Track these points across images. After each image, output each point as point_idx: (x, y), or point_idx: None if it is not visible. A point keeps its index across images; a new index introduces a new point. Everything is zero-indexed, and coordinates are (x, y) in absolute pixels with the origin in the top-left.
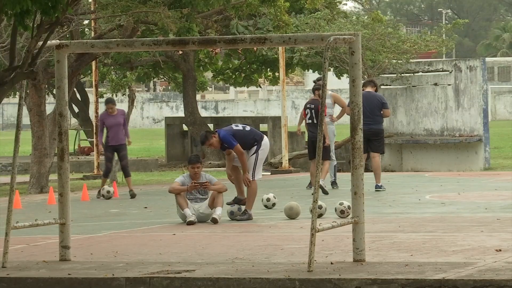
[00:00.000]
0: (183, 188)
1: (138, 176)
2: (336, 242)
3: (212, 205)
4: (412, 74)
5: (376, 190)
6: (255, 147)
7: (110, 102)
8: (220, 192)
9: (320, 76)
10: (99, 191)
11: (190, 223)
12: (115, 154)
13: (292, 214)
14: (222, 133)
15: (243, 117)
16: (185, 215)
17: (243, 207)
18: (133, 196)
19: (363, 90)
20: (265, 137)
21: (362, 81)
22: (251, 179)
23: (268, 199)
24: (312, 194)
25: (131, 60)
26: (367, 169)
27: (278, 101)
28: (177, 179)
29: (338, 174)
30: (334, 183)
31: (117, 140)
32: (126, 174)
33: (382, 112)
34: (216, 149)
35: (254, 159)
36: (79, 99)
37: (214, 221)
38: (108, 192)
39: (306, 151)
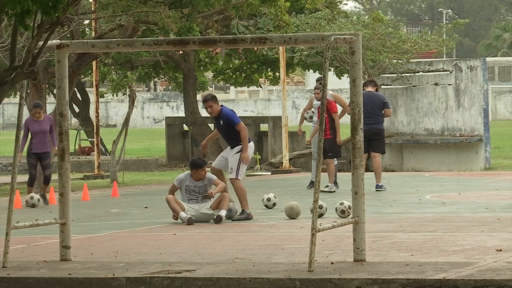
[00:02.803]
0: (177, 209)
1: (138, 176)
2: (336, 242)
3: (217, 207)
4: (412, 74)
5: (376, 190)
6: (241, 146)
7: (37, 106)
8: (221, 191)
9: (320, 75)
10: (26, 201)
11: (190, 221)
12: (38, 162)
13: (292, 214)
14: (227, 109)
15: (243, 117)
16: (181, 218)
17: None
18: (44, 201)
19: (363, 89)
20: (252, 141)
21: (363, 81)
22: (235, 178)
23: (268, 199)
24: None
25: (132, 60)
26: (367, 169)
27: (279, 101)
28: (178, 176)
29: (338, 174)
30: (334, 183)
31: (41, 148)
32: (46, 182)
33: (383, 111)
34: (210, 115)
35: (239, 158)
36: (80, 99)
37: (219, 219)
38: (32, 198)
39: (306, 151)
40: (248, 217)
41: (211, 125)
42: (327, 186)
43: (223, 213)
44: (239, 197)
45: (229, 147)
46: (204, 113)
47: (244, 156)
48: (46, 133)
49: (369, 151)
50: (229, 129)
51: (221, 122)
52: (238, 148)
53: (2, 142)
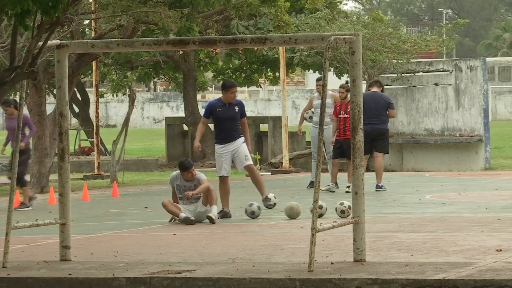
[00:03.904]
0: (176, 212)
1: (138, 176)
2: (336, 242)
3: (206, 202)
4: (412, 74)
5: (376, 190)
6: (243, 138)
7: (4, 103)
8: (203, 191)
9: (321, 75)
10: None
11: (189, 221)
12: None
13: (292, 214)
14: (240, 100)
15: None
16: (181, 219)
17: (254, 205)
18: (23, 206)
19: (368, 90)
20: None
21: (366, 81)
22: (252, 163)
23: (268, 199)
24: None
25: (132, 60)
26: (368, 169)
27: (279, 101)
28: (171, 175)
29: (338, 174)
30: (335, 183)
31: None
32: (21, 184)
33: (388, 112)
34: (228, 102)
35: (246, 146)
36: (80, 99)
37: (211, 220)
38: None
39: (306, 151)
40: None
41: (211, 125)
42: (348, 187)
43: (213, 209)
44: (261, 182)
45: (225, 145)
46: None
47: (249, 149)
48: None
49: (371, 151)
50: (238, 118)
51: (236, 109)
52: (242, 139)
53: (2, 142)
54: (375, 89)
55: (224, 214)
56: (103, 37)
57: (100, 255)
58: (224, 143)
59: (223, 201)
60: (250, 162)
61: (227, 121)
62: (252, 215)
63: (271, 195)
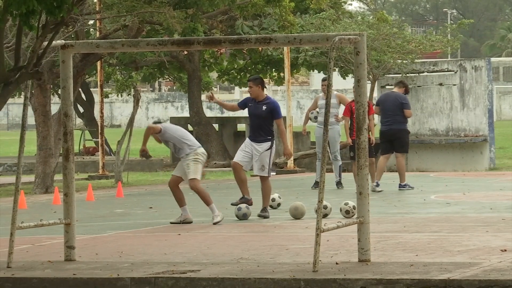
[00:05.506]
0: (180, 198)
1: (143, 176)
2: (341, 242)
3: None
4: (417, 74)
5: (399, 189)
6: (272, 142)
7: None
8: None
9: (325, 76)
10: None
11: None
12: None
13: (297, 214)
14: (275, 101)
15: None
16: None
17: (242, 209)
18: None
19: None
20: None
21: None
22: (268, 176)
23: (273, 199)
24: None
25: (136, 60)
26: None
27: (283, 101)
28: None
29: (343, 174)
30: (339, 183)
31: None
32: None
33: (404, 112)
34: (252, 95)
35: (269, 155)
36: (84, 99)
37: (217, 223)
38: None
39: (311, 151)
40: (268, 216)
41: (216, 126)
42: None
43: (212, 209)
44: (265, 195)
45: (251, 142)
46: (208, 113)
47: (288, 152)
48: None
49: (391, 151)
50: (268, 117)
51: (264, 107)
52: (266, 145)
53: (7, 142)
54: (395, 89)
55: (245, 201)
56: (108, 37)
57: (104, 255)
58: (251, 140)
59: (241, 189)
60: (265, 174)
61: (253, 118)
62: (244, 217)
63: (275, 195)
